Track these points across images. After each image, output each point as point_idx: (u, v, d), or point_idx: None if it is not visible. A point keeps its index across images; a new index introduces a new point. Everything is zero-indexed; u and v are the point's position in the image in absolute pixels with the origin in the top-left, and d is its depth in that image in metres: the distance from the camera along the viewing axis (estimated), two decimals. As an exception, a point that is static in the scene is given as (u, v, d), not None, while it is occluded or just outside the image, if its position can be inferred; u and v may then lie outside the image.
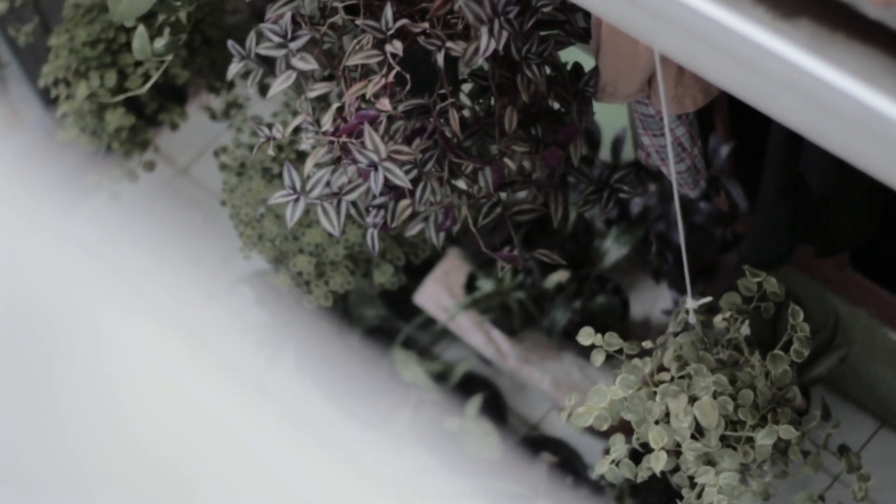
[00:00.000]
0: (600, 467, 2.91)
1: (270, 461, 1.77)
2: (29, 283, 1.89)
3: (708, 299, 2.93)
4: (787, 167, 3.05)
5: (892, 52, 1.74)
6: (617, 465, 2.91)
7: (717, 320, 2.94)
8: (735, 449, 2.84)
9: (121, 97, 3.55)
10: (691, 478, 2.89)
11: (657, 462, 2.83)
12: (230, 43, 2.82)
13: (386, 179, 2.64)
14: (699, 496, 2.88)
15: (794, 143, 2.99)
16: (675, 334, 2.94)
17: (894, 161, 1.73)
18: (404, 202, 2.75)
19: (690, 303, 2.90)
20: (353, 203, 2.82)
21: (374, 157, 2.64)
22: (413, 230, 2.84)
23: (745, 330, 2.92)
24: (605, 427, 2.87)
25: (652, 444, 2.84)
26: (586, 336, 2.91)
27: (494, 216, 2.82)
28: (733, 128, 3.86)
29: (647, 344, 2.92)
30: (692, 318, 2.93)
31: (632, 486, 4.10)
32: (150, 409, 1.81)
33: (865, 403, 4.20)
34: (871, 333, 4.00)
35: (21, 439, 1.80)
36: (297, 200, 2.82)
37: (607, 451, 4.20)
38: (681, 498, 2.97)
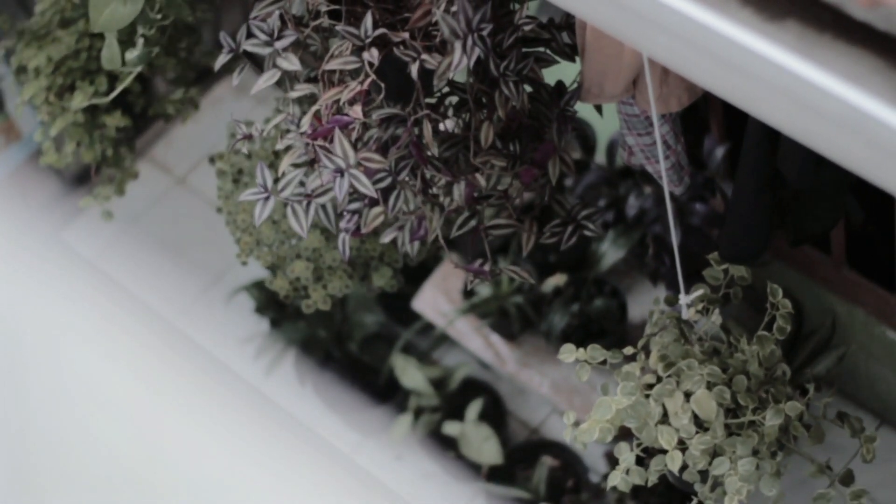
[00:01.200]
0: (612, 479, 2.92)
1: (270, 468, 1.77)
2: (23, 296, 1.90)
3: (699, 293, 2.94)
4: (765, 164, 3.06)
5: (878, 53, 1.75)
6: (626, 473, 2.91)
7: (691, 313, 2.95)
8: (740, 435, 2.85)
9: (104, 98, 3.55)
10: (701, 472, 2.89)
11: (673, 462, 2.83)
12: (222, 34, 2.83)
13: (353, 187, 2.66)
14: (713, 489, 2.89)
15: (771, 139, 2.99)
16: (653, 335, 2.95)
17: (880, 161, 1.73)
18: (377, 209, 2.76)
19: (683, 299, 2.92)
20: (324, 207, 2.83)
21: (342, 164, 2.65)
22: (386, 238, 2.85)
23: (717, 318, 2.93)
24: (609, 439, 2.88)
25: (664, 446, 2.84)
26: (568, 353, 2.93)
27: (469, 229, 2.83)
28: (728, 129, 3.87)
29: (628, 350, 2.93)
30: (685, 314, 2.94)
31: (633, 487, 4.10)
32: (145, 417, 1.82)
33: (865, 402, 4.20)
34: (869, 331, 4.00)
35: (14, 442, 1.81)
36: (266, 199, 2.86)
37: (608, 454, 4.22)
38: (684, 497, 2.98)
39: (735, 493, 2.82)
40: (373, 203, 2.78)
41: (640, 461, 2.93)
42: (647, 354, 2.94)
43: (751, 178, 3.09)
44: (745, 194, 3.14)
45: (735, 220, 3.21)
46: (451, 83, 2.78)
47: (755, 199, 3.13)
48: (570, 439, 2.92)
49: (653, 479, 2.90)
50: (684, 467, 2.89)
